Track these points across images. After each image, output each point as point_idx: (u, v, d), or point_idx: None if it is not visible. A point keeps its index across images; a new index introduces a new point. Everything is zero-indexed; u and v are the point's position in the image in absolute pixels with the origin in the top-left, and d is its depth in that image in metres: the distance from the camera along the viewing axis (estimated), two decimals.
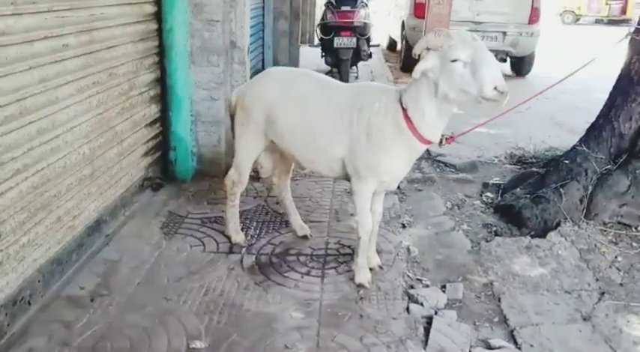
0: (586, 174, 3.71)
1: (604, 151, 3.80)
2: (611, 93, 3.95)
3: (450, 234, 3.64)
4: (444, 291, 2.98)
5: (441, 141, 2.77)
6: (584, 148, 3.85)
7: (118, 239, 3.43)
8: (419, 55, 2.59)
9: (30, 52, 2.46)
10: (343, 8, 7.95)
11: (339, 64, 8.17)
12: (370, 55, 8.66)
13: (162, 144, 4.23)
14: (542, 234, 3.54)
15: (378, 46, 9.36)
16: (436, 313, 2.77)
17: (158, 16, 3.95)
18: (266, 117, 3.02)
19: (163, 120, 4.18)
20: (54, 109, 2.70)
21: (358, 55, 8.35)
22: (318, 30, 8.23)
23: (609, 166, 3.75)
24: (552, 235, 3.44)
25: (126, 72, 3.51)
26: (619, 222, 3.59)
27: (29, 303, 2.62)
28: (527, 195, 3.90)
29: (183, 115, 4.21)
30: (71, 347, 2.47)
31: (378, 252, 3.31)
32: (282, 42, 8.85)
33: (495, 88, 2.31)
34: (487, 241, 3.51)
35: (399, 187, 4.42)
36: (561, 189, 3.67)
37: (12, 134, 2.38)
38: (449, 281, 3.09)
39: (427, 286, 3.05)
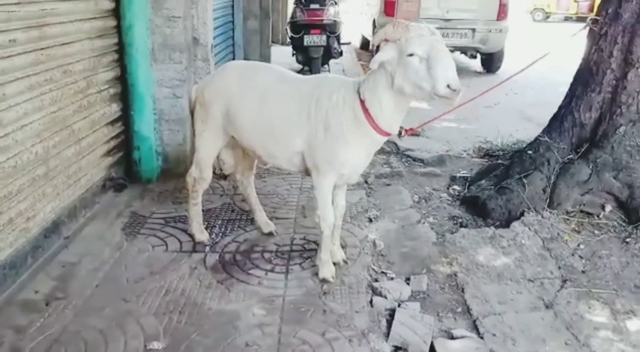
0: (548, 163, 3.73)
1: (566, 141, 3.83)
2: (571, 84, 3.98)
3: (416, 226, 3.63)
4: (408, 283, 2.96)
5: (400, 133, 2.76)
6: (547, 139, 3.87)
7: (78, 241, 3.36)
8: (377, 46, 2.58)
9: None
10: (312, 6, 7.94)
11: (310, 63, 8.16)
12: (341, 53, 8.66)
13: (126, 144, 4.15)
14: (506, 224, 3.54)
15: (348, 43, 9.37)
16: (399, 305, 2.76)
17: (117, 13, 3.87)
18: (225, 112, 2.97)
19: (125, 119, 4.10)
20: (1, 107, 2.62)
21: (329, 53, 8.34)
22: (288, 28, 8.20)
23: (571, 156, 3.78)
24: (516, 225, 3.45)
25: (82, 69, 3.43)
26: (582, 211, 3.60)
27: None
28: (492, 187, 3.91)
29: (146, 114, 4.14)
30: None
31: (343, 246, 3.28)
32: (253, 41, 8.79)
33: (448, 86, 2.28)
34: (452, 233, 3.50)
35: (366, 182, 4.42)
36: (524, 180, 3.69)
37: None
38: (413, 274, 3.07)
39: (392, 279, 3.03)
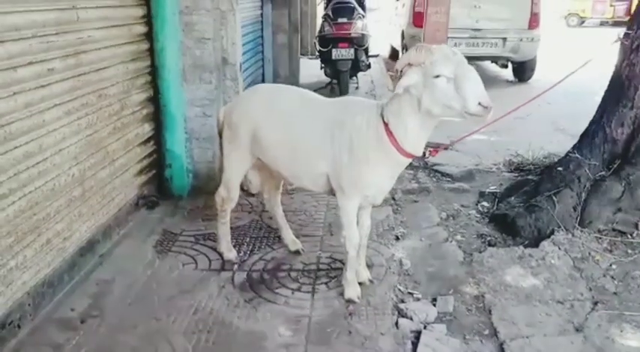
0: (579, 181, 3.68)
1: (597, 158, 3.77)
2: (603, 99, 3.93)
3: (443, 245, 3.63)
4: (434, 305, 2.96)
5: (424, 154, 2.77)
6: (577, 155, 3.82)
7: (112, 259, 3.46)
8: (401, 71, 2.59)
9: (13, 78, 2.49)
10: (340, 20, 7.99)
11: (338, 76, 8.20)
12: (369, 66, 8.68)
13: (158, 162, 4.26)
14: (536, 243, 3.51)
15: (376, 56, 9.39)
16: (425, 327, 2.76)
17: (150, 36, 3.99)
18: (252, 134, 3.04)
19: (158, 138, 4.22)
20: (41, 133, 2.73)
21: (357, 66, 8.38)
22: (316, 42, 8.27)
23: (603, 173, 3.72)
24: (545, 244, 3.41)
25: (116, 92, 3.55)
26: (614, 229, 3.54)
27: (19, 327, 2.64)
28: (521, 204, 3.88)
29: (178, 133, 4.25)
30: None
31: (369, 265, 3.30)
32: (282, 55, 8.90)
33: (480, 104, 2.31)
34: (480, 252, 3.48)
35: (393, 198, 4.42)
36: (554, 197, 3.65)
37: None
38: (440, 294, 3.07)
39: (418, 299, 3.04)
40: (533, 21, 9.94)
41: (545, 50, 10.43)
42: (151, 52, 4.03)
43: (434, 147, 2.86)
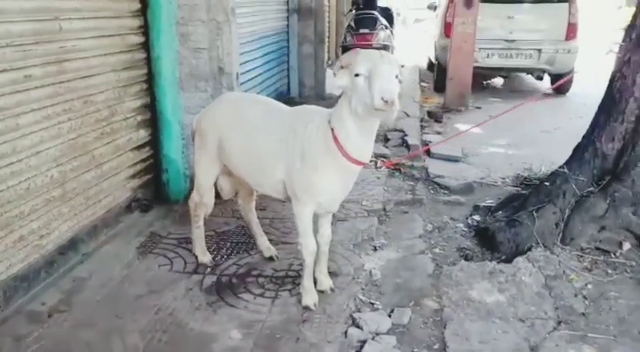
0: (564, 196, 3.57)
1: (586, 173, 3.65)
2: (595, 113, 3.80)
3: (418, 257, 3.59)
4: (390, 316, 2.94)
5: (376, 163, 2.80)
6: (566, 170, 3.71)
7: (95, 258, 3.60)
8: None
9: None
10: (362, 31, 8.05)
11: None
12: None
13: (155, 167, 4.41)
14: (512, 258, 3.42)
15: (402, 66, 9.31)
16: (373, 338, 2.74)
17: (146, 46, 4.16)
18: (218, 141, 3.14)
19: (155, 143, 4.37)
20: (15, 136, 2.90)
21: None
22: (339, 52, 8.32)
23: (591, 188, 3.60)
24: (519, 260, 3.32)
25: (105, 99, 3.71)
26: (597, 248, 3.42)
27: None
28: (506, 218, 3.79)
29: (174, 139, 4.38)
30: None
31: (336, 274, 3.32)
32: (308, 65, 9.00)
33: (382, 98, 2.34)
34: (453, 265, 3.43)
35: (384, 209, 4.40)
36: (535, 213, 3.55)
37: None
38: (399, 306, 3.04)
39: (377, 310, 3.02)
40: (571, 32, 9.66)
41: (590, 63, 10.09)
42: (148, 60, 4.19)
43: (386, 160, 2.87)
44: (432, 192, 4.91)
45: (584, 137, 3.83)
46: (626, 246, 3.34)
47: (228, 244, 3.81)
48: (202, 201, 3.40)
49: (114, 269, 3.47)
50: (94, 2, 3.54)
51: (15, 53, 2.86)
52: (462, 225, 4.14)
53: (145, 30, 4.13)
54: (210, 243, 3.78)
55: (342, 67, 2.56)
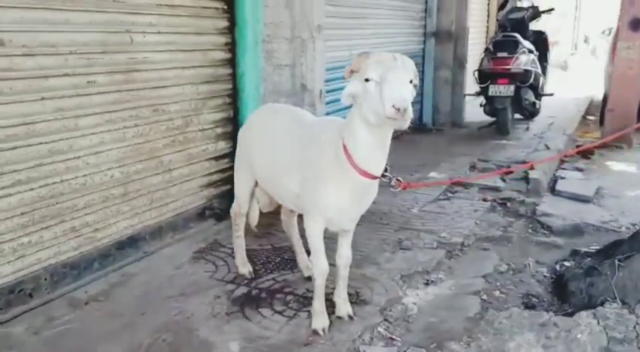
0: None
1: None
2: None
3: (467, 297, 3.18)
4: None
5: (390, 180, 2.61)
6: None
7: (153, 257, 3.80)
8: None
9: (42, 85, 2.99)
10: (499, 54, 7.50)
11: (496, 114, 7.67)
12: (534, 105, 7.92)
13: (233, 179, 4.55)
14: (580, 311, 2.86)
15: (551, 95, 8.49)
16: None
17: (232, 62, 4.35)
18: (248, 153, 3.15)
19: (234, 156, 4.51)
20: (73, 135, 3.20)
21: (519, 105, 7.74)
22: (475, 77, 7.87)
23: None
24: (583, 315, 2.75)
25: (179, 109, 3.94)
26: None
27: (30, 296, 3.10)
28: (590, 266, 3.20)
29: None
30: (39, 336, 2.85)
31: (365, 302, 3.11)
32: (444, 91, 8.70)
33: (393, 106, 2.14)
34: (500, 310, 2.97)
35: (462, 243, 4.00)
36: (621, 262, 2.94)
37: (16, 151, 2.91)
38: (418, 346, 2.71)
39: (392, 346, 2.73)
40: None
41: None
42: (234, 76, 4.38)
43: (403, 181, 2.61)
44: (531, 231, 4.34)
45: None
46: None
47: (278, 259, 3.76)
48: (240, 212, 3.40)
49: (164, 269, 3.62)
50: (173, 19, 3.80)
51: (78, 60, 3.18)
52: (545, 269, 3.59)
53: (232, 47, 4.32)
54: (261, 256, 3.78)
55: (352, 72, 2.40)
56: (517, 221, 4.54)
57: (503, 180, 5.64)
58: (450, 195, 5.21)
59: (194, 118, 4.09)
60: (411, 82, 2.28)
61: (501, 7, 8.68)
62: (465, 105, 9.01)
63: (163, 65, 3.76)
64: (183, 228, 4.13)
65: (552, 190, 5.36)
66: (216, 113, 4.29)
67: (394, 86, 2.18)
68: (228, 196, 4.50)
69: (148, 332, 2.89)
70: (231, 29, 4.30)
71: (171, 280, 3.47)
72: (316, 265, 2.80)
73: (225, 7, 4.26)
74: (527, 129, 8.33)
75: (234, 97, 4.42)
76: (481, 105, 8.06)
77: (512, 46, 7.54)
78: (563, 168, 6.36)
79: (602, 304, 2.85)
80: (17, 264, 3.02)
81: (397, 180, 2.62)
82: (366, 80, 2.28)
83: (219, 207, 4.44)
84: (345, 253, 2.91)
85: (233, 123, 4.45)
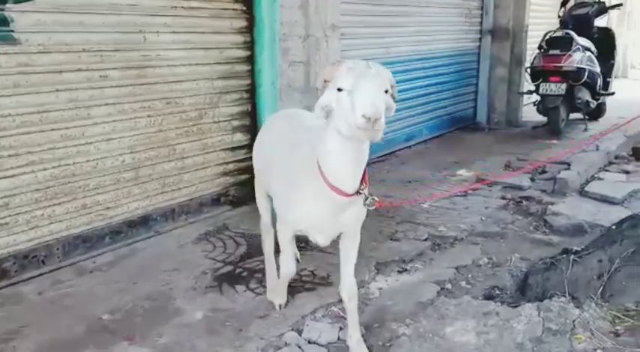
0: (620, 244, 2.85)
1: None
2: None
3: (430, 285, 3.27)
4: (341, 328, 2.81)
5: (366, 198, 2.36)
6: None
7: (164, 236, 4.18)
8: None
9: (56, 79, 3.44)
10: (552, 52, 7.26)
11: (548, 113, 7.44)
12: (588, 105, 7.56)
13: (251, 169, 4.85)
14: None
15: (612, 94, 8.07)
16: (300, 346, 2.68)
17: (251, 59, 4.66)
18: (257, 160, 3.18)
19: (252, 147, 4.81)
20: (85, 123, 3.62)
21: (572, 104, 7.45)
22: (528, 75, 7.67)
23: None
24: (527, 307, 2.76)
25: (194, 103, 4.29)
26: None
27: (43, 262, 3.56)
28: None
29: None
30: (43, 296, 3.30)
31: (330, 284, 3.28)
32: (500, 89, 8.54)
33: (363, 115, 1.96)
34: (452, 298, 3.04)
35: (455, 237, 4.05)
36: (578, 258, 2.91)
37: (30, 135, 3.37)
38: (365, 325, 2.86)
39: (337, 323, 2.90)
40: None
41: None
42: (252, 72, 4.68)
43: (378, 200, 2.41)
44: (532, 229, 4.29)
45: None
46: None
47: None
48: (263, 223, 3.30)
49: (169, 247, 3.99)
50: (190, 19, 4.15)
51: (92, 57, 3.59)
52: (524, 265, 3.58)
53: (251, 45, 4.63)
54: (258, 238, 4.02)
55: (325, 82, 2.20)
56: (524, 219, 4.49)
57: (532, 180, 5.53)
58: (469, 192, 5.21)
59: (209, 111, 4.43)
60: (386, 91, 2.12)
61: (564, 2, 8.34)
62: (523, 105, 8.77)
63: (179, 62, 4.12)
64: (197, 212, 4.49)
65: (580, 192, 5.19)
66: (233, 107, 4.61)
67: (365, 94, 2.00)
68: (245, 185, 4.83)
69: (133, 298, 3.25)
70: (250, 28, 4.60)
71: (171, 256, 3.82)
72: (283, 266, 2.83)
73: (245, 8, 4.56)
74: (586, 129, 7.97)
75: (252, 92, 4.72)
76: (534, 104, 7.83)
77: (566, 44, 7.27)
78: (607, 170, 6.10)
79: (551, 297, 2.84)
80: (31, 233, 3.49)
81: (373, 198, 2.38)
82: (339, 90, 2.10)
83: (236, 194, 4.76)
84: (347, 284, 2.66)
85: (251, 117, 4.75)
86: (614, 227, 3.08)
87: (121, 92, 3.81)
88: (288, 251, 2.81)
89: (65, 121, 3.54)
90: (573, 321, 2.64)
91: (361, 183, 2.32)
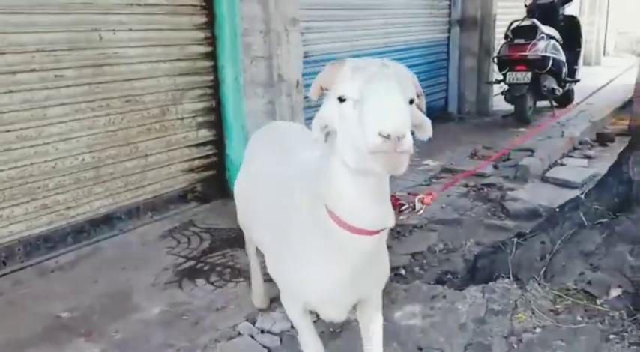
0: (561, 226, 2.94)
1: (606, 201, 2.95)
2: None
3: None
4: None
5: (414, 208, 1.92)
6: (583, 197, 3.04)
7: (129, 235, 4.21)
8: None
9: (10, 80, 3.45)
10: (517, 41, 7.36)
11: (514, 101, 7.54)
12: (554, 92, 7.68)
13: (218, 165, 4.91)
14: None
15: (576, 81, 8.21)
16: (252, 335, 2.74)
17: (213, 55, 4.69)
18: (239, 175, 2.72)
19: (219, 143, 4.86)
20: (41, 123, 3.64)
21: (538, 92, 7.56)
22: (495, 64, 7.77)
23: (606, 219, 2.89)
24: (472, 289, 2.86)
25: (155, 100, 4.31)
26: (585, 291, 2.73)
27: (4, 263, 3.59)
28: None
29: (235, 140, 4.82)
30: (3, 297, 3.32)
31: None
32: (470, 79, 8.62)
33: (379, 133, 1.33)
34: (404, 283, 3.12)
35: (414, 226, 4.13)
36: (523, 241, 3.00)
37: None
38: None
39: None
40: None
41: None
42: (215, 68, 4.71)
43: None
44: (489, 214, 4.38)
45: (616, 161, 3.08)
46: (614, 292, 2.61)
47: (235, 235, 4.03)
48: (245, 233, 2.93)
49: (132, 245, 4.03)
50: (146, 16, 4.17)
51: (45, 57, 3.61)
52: (477, 249, 3.66)
53: (212, 41, 4.66)
54: (222, 233, 4.08)
55: (322, 89, 1.60)
56: (482, 205, 4.58)
57: (495, 167, 5.64)
58: (434, 181, 5.29)
59: (171, 108, 4.46)
60: (412, 102, 1.50)
61: None
62: (493, 94, 8.86)
63: (138, 59, 4.14)
64: (163, 210, 4.52)
65: (542, 178, 5.30)
66: (196, 103, 4.65)
67: (381, 103, 1.38)
68: (215, 182, 4.88)
69: (91, 296, 3.30)
70: (211, 24, 4.63)
71: (134, 254, 3.86)
72: (304, 345, 2.19)
73: (204, 3, 4.59)
74: (553, 116, 8.09)
75: (215, 88, 4.76)
76: (502, 93, 7.93)
77: (531, 33, 7.37)
78: (570, 156, 6.23)
79: (496, 279, 2.93)
80: None
81: (419, 199, 1.91)
82: (340, 100, 1.49)
83: (202, 190, 4.80)
84: (371, 327, 2.12)
85: (216, 112, 4.79)
86: (557, 210, 3.17)
87: (77, 91, 3.83)
88: (304, 327, 2.13)
89: (20, 122, 3.55)
90: (515, 301, 2.74)
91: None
